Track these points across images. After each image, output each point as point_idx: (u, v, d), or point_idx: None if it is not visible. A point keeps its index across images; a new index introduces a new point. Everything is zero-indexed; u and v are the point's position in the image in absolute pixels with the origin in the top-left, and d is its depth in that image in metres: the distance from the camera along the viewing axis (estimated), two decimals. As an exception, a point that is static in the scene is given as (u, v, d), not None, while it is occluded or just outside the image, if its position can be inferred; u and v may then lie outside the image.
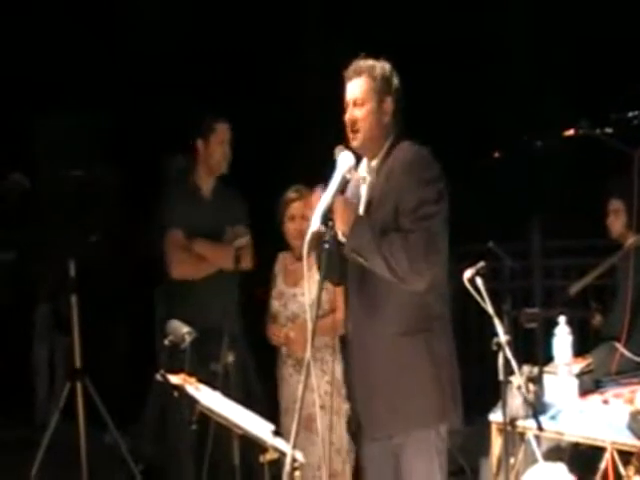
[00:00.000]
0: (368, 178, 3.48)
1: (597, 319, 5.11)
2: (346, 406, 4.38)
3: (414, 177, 3.32)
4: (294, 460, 2.98)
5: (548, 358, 4.39)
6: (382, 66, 3.48)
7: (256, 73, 7.90)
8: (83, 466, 5.21)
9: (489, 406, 4.28)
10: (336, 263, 3.34)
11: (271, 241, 4.65)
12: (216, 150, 4.81)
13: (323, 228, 3.07)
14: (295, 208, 4.51)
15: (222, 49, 7.90)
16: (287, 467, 2.96)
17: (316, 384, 4.29)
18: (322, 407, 4.26)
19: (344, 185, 3.25)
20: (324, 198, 3.13)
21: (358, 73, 3.45)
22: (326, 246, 3.09)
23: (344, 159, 3.23)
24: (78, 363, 5.25)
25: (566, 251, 7.05)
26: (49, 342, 7.03)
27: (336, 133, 3.52)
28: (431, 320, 3.42)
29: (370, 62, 3.48)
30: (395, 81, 3.49)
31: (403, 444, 3.41)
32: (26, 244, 6.78)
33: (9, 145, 7.08)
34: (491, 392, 3.88)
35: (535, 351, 4.49)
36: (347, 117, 3.46)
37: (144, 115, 7.66)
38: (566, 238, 7.13)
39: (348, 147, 3.38)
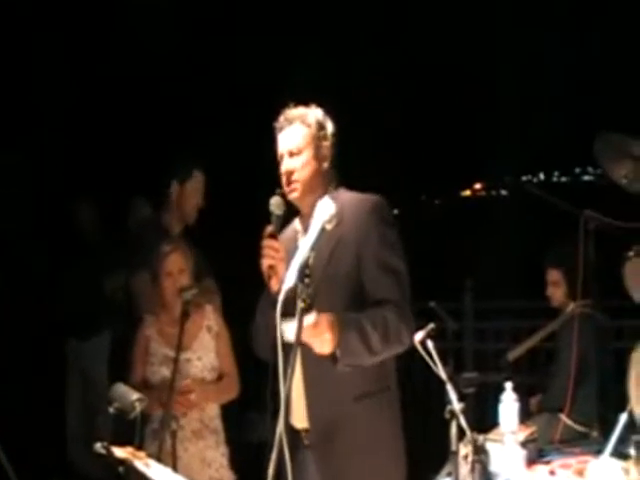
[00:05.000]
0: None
1: (533, 402, 5.02)
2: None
3: (374, 224, 3.15)
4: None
5: (480, 424, 4.24)
6: (314, 112, 3.30)
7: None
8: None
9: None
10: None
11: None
12: (191, 197, 4.66)
13: (300, 285, 2.80)
14: (172, 263, 4.05)
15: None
16: None
17: (211, 457, 4.06)
18: None
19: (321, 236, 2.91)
20: (300, 251, 2.85)
21: (290, 121, 3.25)
22: (301, 305, 2.77)
23: (324, 206, 2.93)
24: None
25: (498, 313, 6.97)
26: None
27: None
28: (389, 376, 3.23)
29: (301, 109, 3.29)
30: (330, 126, 3.30)
31: None
32: None
33: None
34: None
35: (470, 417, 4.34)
36: (283, 169, 3.24)
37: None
38: (498, 299, 7.07)
39: (283, 197, 3.13)
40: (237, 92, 7.92)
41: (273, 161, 3.29)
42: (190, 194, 4.66)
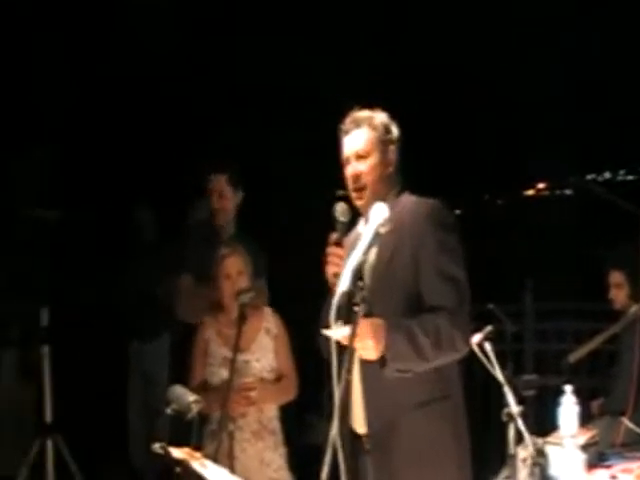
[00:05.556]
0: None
1: (595, 405, 4.94)
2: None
3: (431, 230, 3.09)
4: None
5: (540, 427, 4.18)
6: (381, 116, 3.27)
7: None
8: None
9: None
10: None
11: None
12: (211, 201, 4.85)
13: (354, 289, 2.77)
14: (230, 265, 4.09)
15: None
16: None
17: (269, 458, 4.07)
18: None
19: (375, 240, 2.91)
20: (355, 254, 2.83)
21: (357, 124, 3.22)
22: (356, 309, 2.77)
23: (377, 211, 2.92)
24: (49, 418, 4.95)
25: (559, 314, 6.87)
26: (16, 391, 6.70)
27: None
28: (449, 385, 3.16)
29: (367, 112, 3.26)
30: (395, 130, 3.27)
31: None
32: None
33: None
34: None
35: (530, 419, 4.29)
36: (350, 172, 3.20)
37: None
38: (559, 300, 6.96)
39: (348, 202, 3.11)
40: (237, 92, 7.94)
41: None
42: (211, 198, 4.85)
